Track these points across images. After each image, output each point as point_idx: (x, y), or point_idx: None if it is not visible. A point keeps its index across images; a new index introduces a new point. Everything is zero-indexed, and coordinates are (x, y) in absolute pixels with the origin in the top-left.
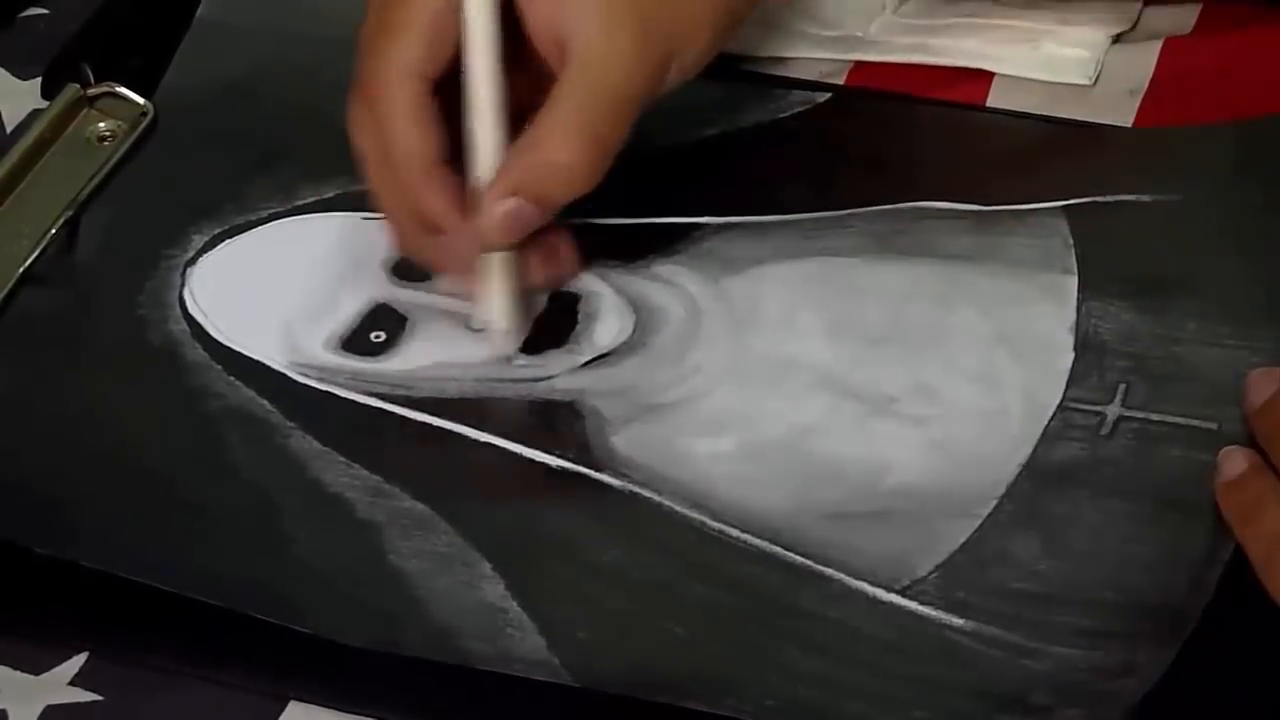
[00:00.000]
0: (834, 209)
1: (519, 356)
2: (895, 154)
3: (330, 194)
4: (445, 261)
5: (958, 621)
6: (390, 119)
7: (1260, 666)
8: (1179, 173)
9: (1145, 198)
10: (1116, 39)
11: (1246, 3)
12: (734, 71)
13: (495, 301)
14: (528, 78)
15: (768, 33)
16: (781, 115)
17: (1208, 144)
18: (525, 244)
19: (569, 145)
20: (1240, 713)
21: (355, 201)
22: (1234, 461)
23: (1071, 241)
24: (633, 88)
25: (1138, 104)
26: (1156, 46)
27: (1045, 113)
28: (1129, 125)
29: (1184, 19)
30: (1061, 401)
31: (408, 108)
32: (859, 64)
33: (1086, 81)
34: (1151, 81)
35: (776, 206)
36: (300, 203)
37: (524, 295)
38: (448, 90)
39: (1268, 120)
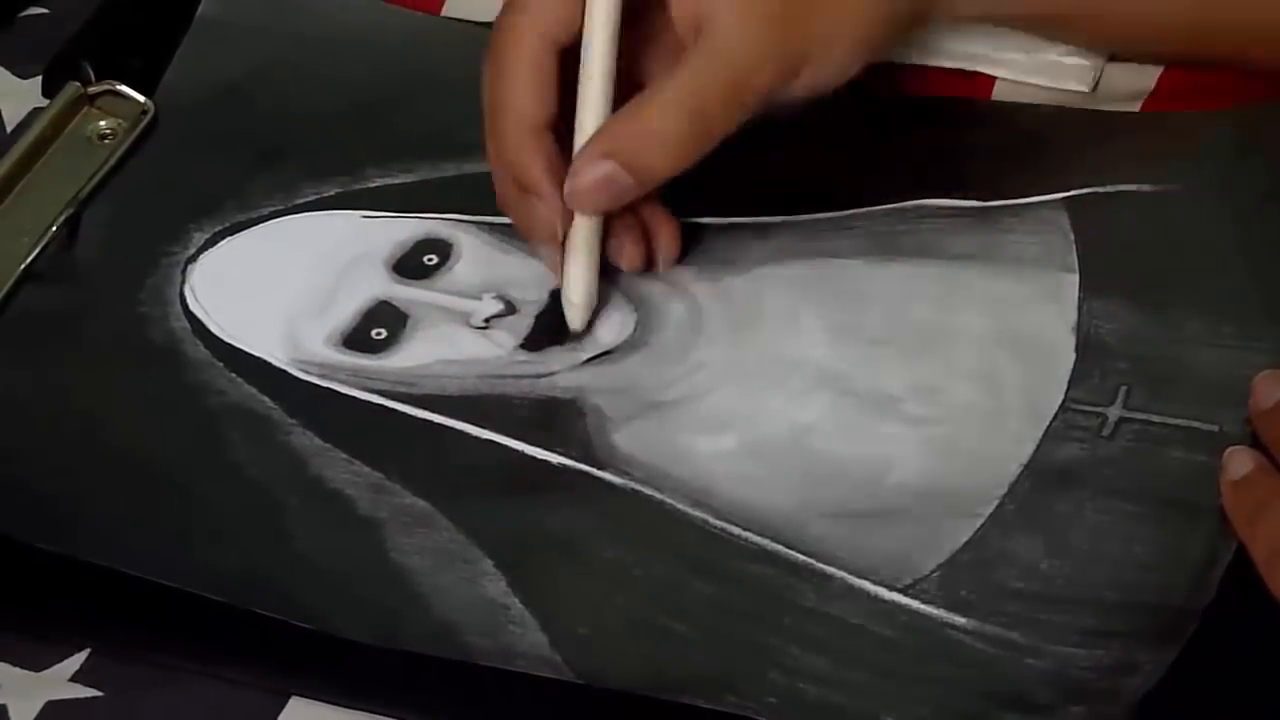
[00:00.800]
0: (836, 209)
1: (520, 353)
2: (896, 152)
3: (331, 192)
4: (533, 227)
5: (960, 620)
6: (506, 76)
7: (1261, 666)
8: (1180, 160)
9: (1146, 187)
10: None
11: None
12: None
13: (573, 271)
14: (664, 56)
15: None
16: (781, 115)
17: (1209, 129)
18: (618, 220)
19: (671, 115)
20: (1241, 711)
21: (356, 200)
22: (1239, 461)
23: (1072, 237)
24: (755, 78)
25: (1139, 109)
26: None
27: None
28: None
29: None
30: (1063, 402)
31: (526, 66)
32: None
33: (1085, 89)
34: (1154, 91)
35: (779, 207)
36: (301, 200)
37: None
38: (576, 60)
39: (1270, 104)
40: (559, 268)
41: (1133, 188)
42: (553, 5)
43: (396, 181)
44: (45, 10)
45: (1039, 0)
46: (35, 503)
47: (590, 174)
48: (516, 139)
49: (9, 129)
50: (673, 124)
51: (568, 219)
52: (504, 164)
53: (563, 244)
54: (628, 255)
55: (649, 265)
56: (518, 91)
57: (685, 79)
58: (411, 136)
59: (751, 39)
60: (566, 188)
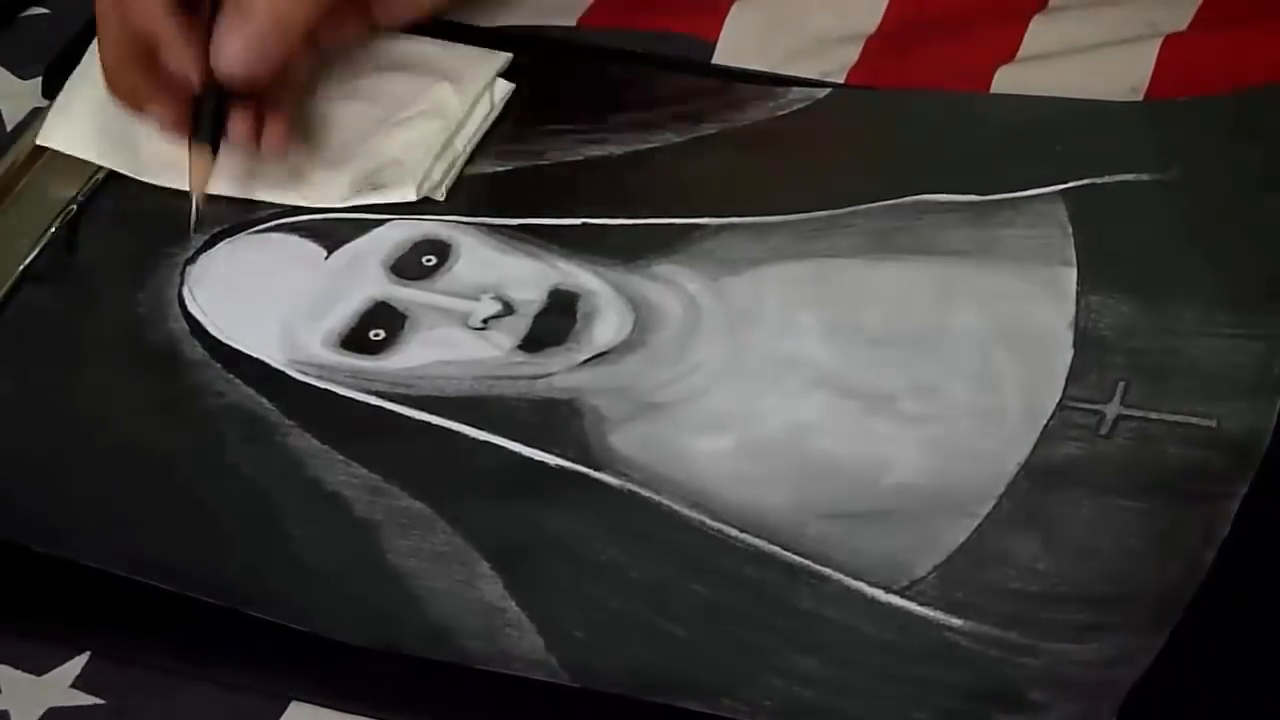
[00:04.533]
0: (834, 207)
1: (518, 354)
2: (894, 148)
3: None
4: (159, 93)
5: (956, 622)
6: None
7: (1246, 652)
8: (1177, 147)
9: (1145, 176)
10: None
11: None
12: (733, 70)
13: (197, 160)
14: None
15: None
16: (781, 113)
17: (1206, 115)
18: (247, 105)
19: None
20: (1228, 698)
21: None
22: None
23: (1070, 230)
24: None
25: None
26: (1156, 44)
27: None
28: None
29: (1181, 13)
30: (1061, 400)
31: None
32: (859, 62)
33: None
34: (1152, 78)
35: (776, 206)
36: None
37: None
38: None
39: (1267, 88)
40: (172, 126)
41: (1130, 177)
42: None
43: None
44: (45, 11)
45: None
46: (33, 503)
47: (237, 35)
48: (154, 8)
49: (9, 129)
50: None
51: (198, 70)
52: (124, 22)
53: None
54: (237, 132)
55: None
56: None
57: None
58: None
59: None
60: (214, 57)
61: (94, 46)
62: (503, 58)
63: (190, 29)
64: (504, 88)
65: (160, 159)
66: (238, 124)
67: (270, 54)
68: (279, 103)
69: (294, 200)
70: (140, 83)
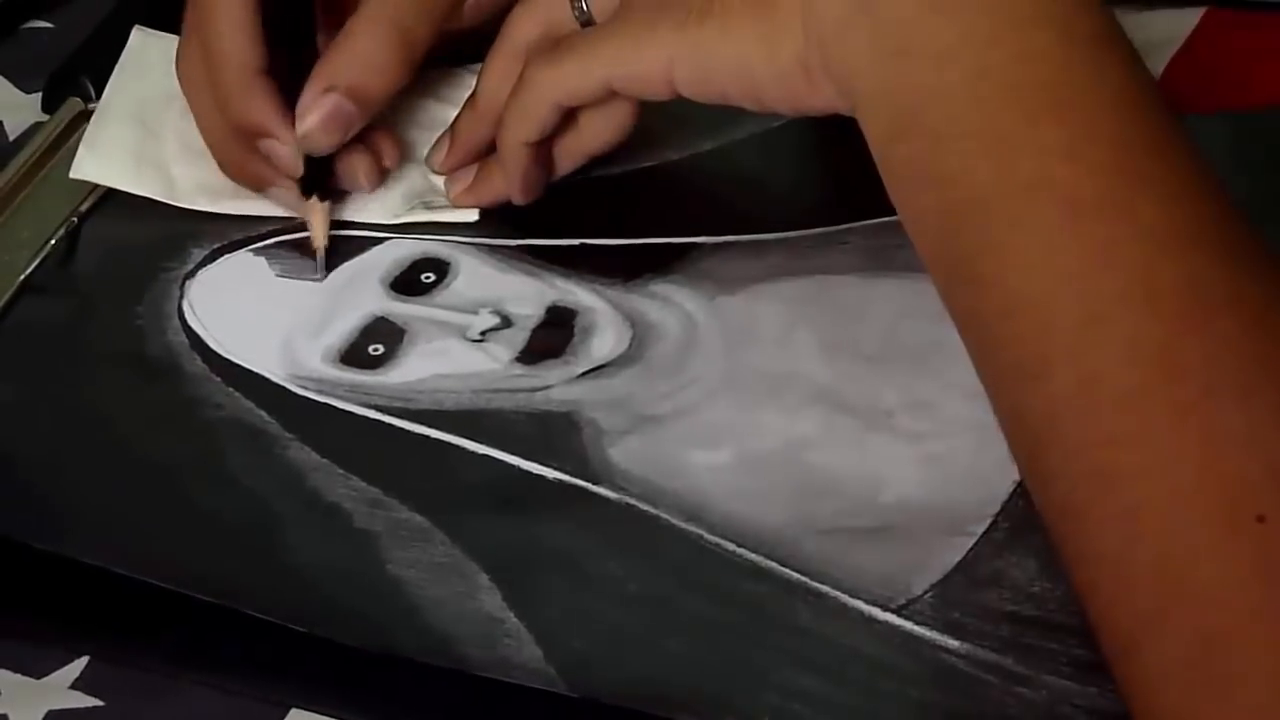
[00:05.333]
0: (830, 224)
1: (516, 366)
2: None
3: None
4: (269, 173)
5: (953, 643)
6: (217, 29)
7: None
8: None
9: None
10: None
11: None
12: None
13: (316, 217)
14: None
15: None
16: (775, 124)
17: (1203, 136)
18: (351, 148)
19: (375, 37)
20: None
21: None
22: None
23: None
24: None
25: None
26: (1159, 67)
27: None
28: None
29: (1182, 24)
30: None
31: (232, 19)
32: None
33: None
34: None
35: (773, 223)
36: (299, 220)
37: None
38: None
39: (1263, 110)
40: (299, 206)
41: None
42: None
43: None
44: (48, 24)
45: None
46: (34, 513)
47: (318, 111)
48: (242, 87)
49: (10, 140)
50: (378, 42)
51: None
52: (232, 115)
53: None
54: (364, 173)
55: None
56: (235, 41)
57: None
58: None
59: None
60: (298, 130)
61: (117, 77)
62: None
63: (283, 109)
64: None
65: (195, 184)
66: (357, 166)
67: (349, 124)
68: (374, 131)
69: (345, 215)
70: (257, 167)
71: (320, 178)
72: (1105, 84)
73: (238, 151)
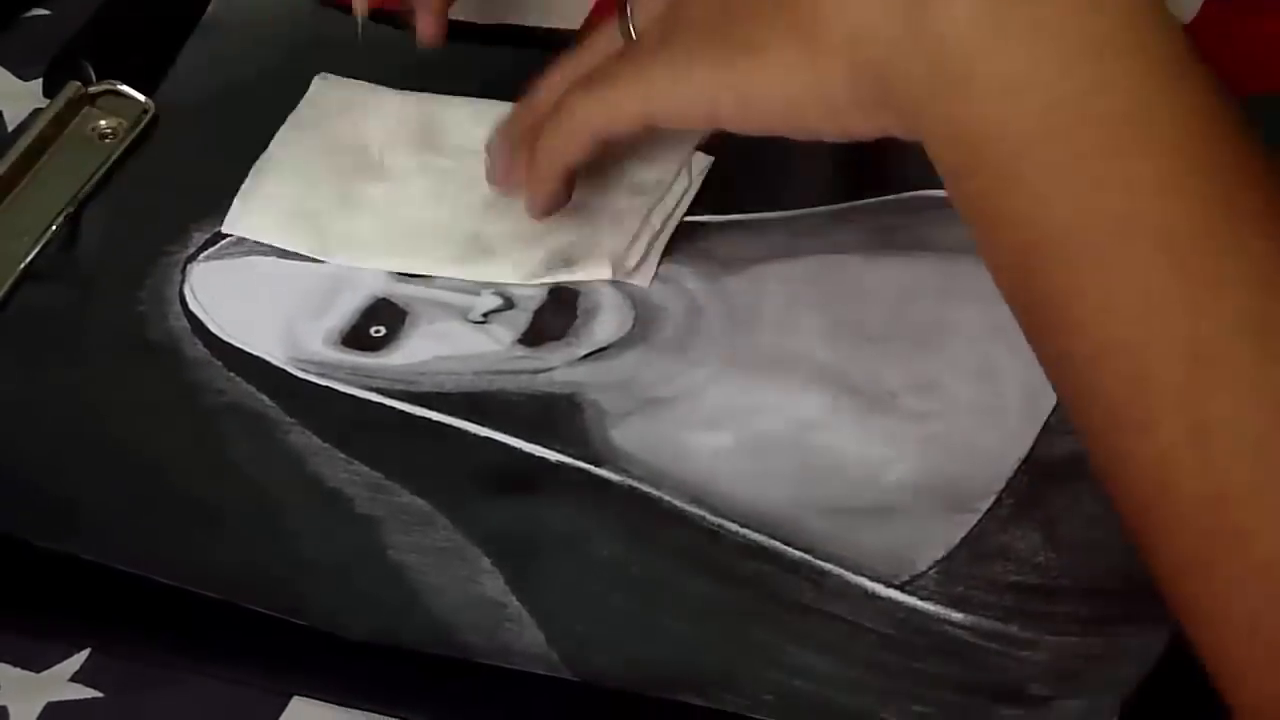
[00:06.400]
0: (834, 203)
1: (518, 348)
2: (894, 143)
3: None
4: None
5: (957, 616)
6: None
7: None
8: None
9: None
10: None
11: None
12: None
13: None
14: None
15: None
16: None
17: None
18: None
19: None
20: None
21: None
22: None
23: None
24: None
25: None
26: None
27: None
28: None
29: (1183, 10)
30: (1057, 403)
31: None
32: None
33: None
34: None
35: (776, 203)
36: None
37: None
38: None
39: (1265, 97)
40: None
41: None
42: None
43: None
44: (47, 12)
45: None
46: (34, 501)
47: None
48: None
49: (10, 129)
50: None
51: None
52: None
53: None
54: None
55: None
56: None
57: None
58: None
59: None
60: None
61: (287, 129)
62: (699, 134)
63: None
64: (702, 161)
65: (346, 238)
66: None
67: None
68: None
69: (482, 276)
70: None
71: None
72: (1191, 112)
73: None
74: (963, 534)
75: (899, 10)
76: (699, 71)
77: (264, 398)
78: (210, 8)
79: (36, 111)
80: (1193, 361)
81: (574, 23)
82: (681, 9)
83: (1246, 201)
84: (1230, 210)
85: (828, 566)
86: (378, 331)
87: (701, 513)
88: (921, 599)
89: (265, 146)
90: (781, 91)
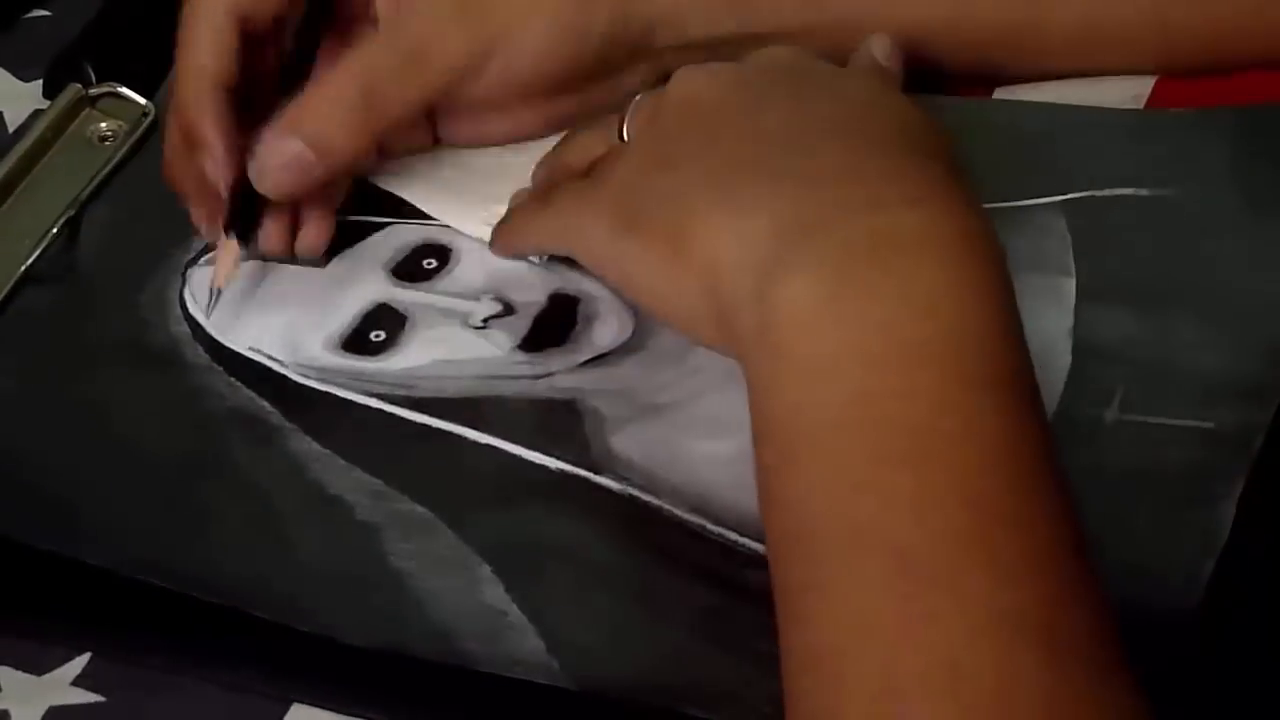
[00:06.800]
0: None
1: (518, 353)
2: None
3: None
4: (195, 187)
5: None
6: (190, 38)
7: (1254, 664)
8: (1177, 162)
9: (1144, 191)
10: None
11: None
12: None
13: (225, 255)
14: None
15: None
16: None
17: (1206, 130)
18: (277, 208)
19: (346, 88)
20: (1239, 710)
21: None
22: None
23: (1069, 241)
24: (434, 56)
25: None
26: None
27: None
28: None
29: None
30: (1060, 405)
31: (208, 28)
32: None
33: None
34: (1155, 87)
35: None
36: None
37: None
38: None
39: (1270, 106)
40: (208, 226)
41: (1130, 191)
42: None
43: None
44: (47, 13)
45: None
46: (35, 504)
47: (277, 152)
48: (193, 92)
49: (10, 131)
50: (345, 92)
51: (230, 178)
52: (177, 116)
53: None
54: (269, 239)
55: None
56: (199, 49)
57: (363, 52)
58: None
59: (431, 14)
60: (252, 168)
61: None
62: None
63: (231, 129)
64: None
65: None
66: (271, 230)
67: (310, 178)
68: (322, 204)
69: (437, 214)
70: (186, 176)
71: (247, 218)
72: (980, 437)
73: (178, 156)
74: None
75: (750, 266)
76: (592, 234)
77: (264, 403)
78: None
79: (36, 113)
80: (882, 692)
81: None
82: (629, 154)
83: (995, 543)
84: (972, 549)
85: None
86: (378, 336)
87: (702, 521)
88: None
89: None
90: (648, 283)
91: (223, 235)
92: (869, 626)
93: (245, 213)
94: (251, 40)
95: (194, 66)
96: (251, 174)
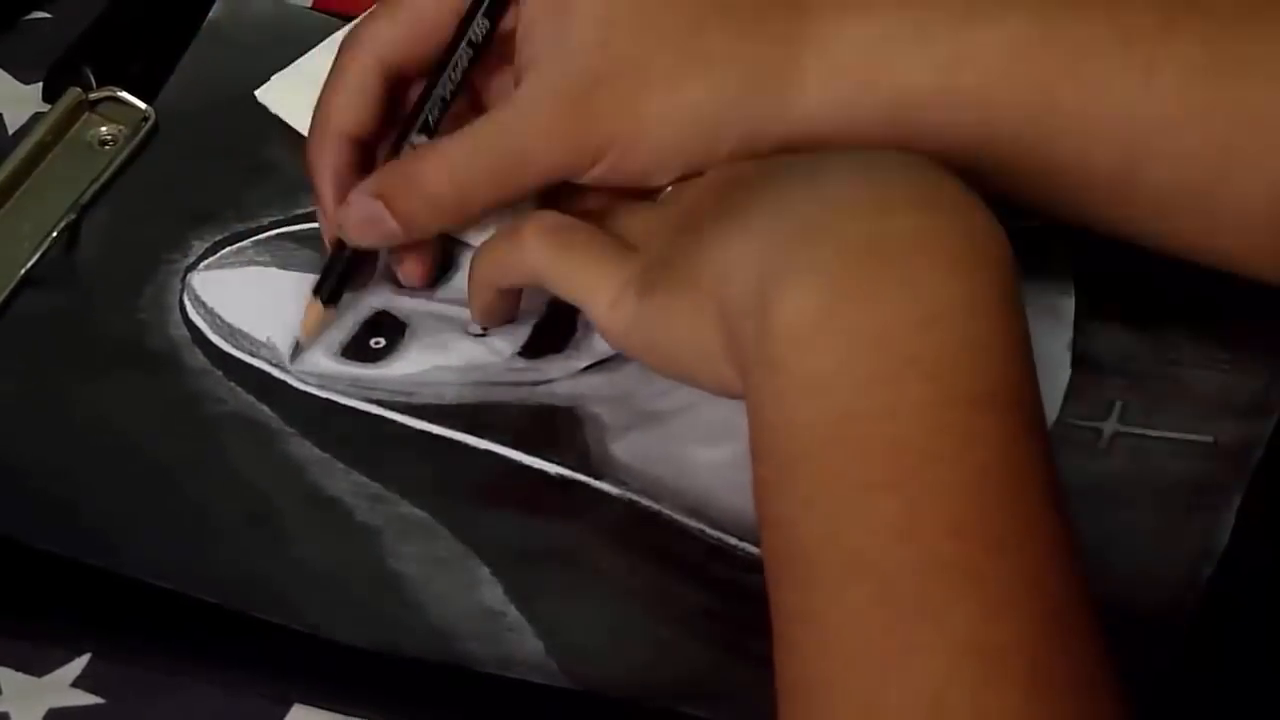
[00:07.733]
0: None
1: (518, 360)
2: None
3: None
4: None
5: None
6: (332, 86)
7: (1249, 672)
8: None
9: None
10: None
11: None
12: None
13: (312, 313)
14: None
15: None
16: None
17: None
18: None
19: (440, 174)
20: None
21: None
22: None
23: (1069, 257)
24: (532, 161)
25: None
26: None
27: None
28: None
29: None
30: (1059, 418)
31: (349, 75)
32: None
33: None
34: None
35: None
36: (300, 211)
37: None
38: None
39: None
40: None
41: None
42: (387, 23)
43: None
44: (47, 15)
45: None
46: (35, 506)
47: (358, 210)
48: (318, 141)
49: (10, 133)
50: (437, 183)
51: (333, 235)
52: (305, 162)
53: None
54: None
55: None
56: (335, 100)
57: (465, 140)
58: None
59: (538, 118)
60: (337, 215)
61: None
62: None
63: (346, 183)
64: None
65: None
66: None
67: (386, 237)
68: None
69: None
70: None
71: (339, 281)
72: (973, 458)
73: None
74: None
75: (753, 269)
76: (627, 301)
77: (264, 408)
78: (211, 15)
79: (37, 116)
80: None
81: None
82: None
83: (978, 570)
84: (954, 578)
85: None
86: (377, 343)
87: (701, 526)
88: None
89: (264, 154)
90: (667, 335)
91: (313, 299)
92: (854, 658)
93: (341, 272)
94: (401, 83)
95: (322, 116)
96: (338, 219)
